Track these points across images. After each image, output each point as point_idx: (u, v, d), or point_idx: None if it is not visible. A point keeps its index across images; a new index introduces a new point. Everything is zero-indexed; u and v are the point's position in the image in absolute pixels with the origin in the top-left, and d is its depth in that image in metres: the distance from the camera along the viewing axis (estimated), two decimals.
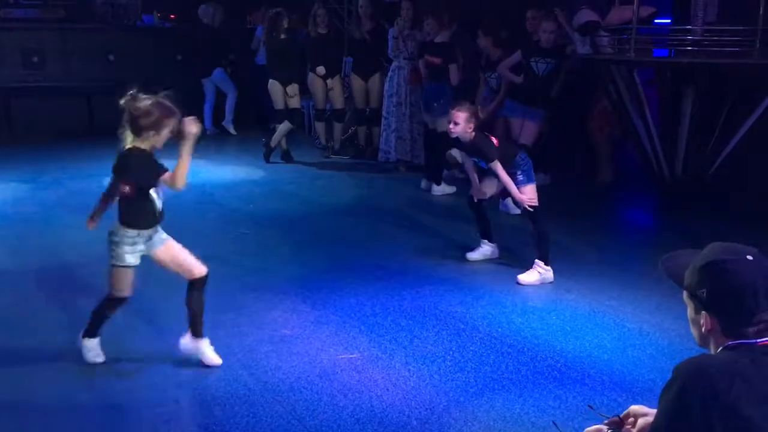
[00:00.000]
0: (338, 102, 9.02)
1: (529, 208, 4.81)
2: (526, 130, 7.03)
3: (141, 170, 3.45)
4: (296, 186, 7.72)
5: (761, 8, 5.69)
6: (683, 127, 6.29)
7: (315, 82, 8.87)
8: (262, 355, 3.76)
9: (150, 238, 3.59)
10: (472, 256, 5.27)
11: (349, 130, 9.56)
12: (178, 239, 5.64)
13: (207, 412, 3.20)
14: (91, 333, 3.67)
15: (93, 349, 3.66)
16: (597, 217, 6.63)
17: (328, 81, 8.85)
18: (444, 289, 4.71)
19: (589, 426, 2.14)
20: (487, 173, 5.06)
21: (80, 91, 10.14)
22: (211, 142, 9.77)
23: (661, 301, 4.42)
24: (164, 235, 3.65)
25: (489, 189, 5.14)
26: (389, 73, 8.21)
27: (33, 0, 10.42)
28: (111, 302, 3.65)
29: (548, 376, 3.56)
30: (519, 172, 4.84)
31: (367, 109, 8.92)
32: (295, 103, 8.65)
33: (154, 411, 3.20)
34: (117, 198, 3.56)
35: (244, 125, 10.62)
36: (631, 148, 7.63)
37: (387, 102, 8.21)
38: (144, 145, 3.43)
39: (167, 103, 3.45)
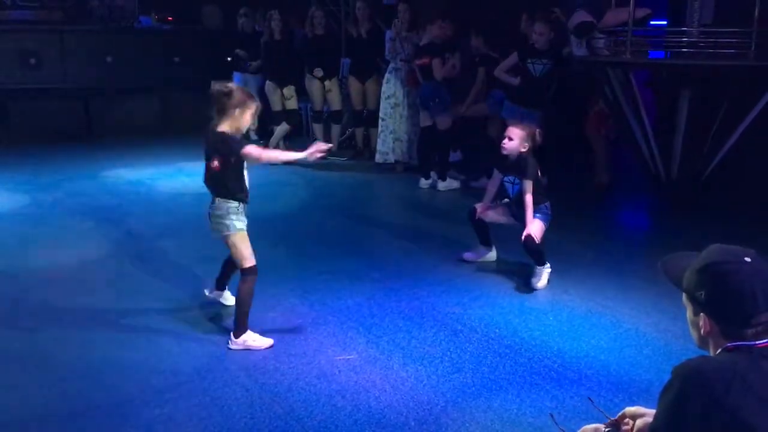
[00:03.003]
0: (336, 103, 9.03)
1: (533, 238, 4.73)
2: None
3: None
4: (294, 187, 7.73)
5: (756, 10, 5.72)
6: (679, 129, 6.32)
7: (312, 83, 8.88)
8: (260, 356, 3.77)
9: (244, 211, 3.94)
10: (469, 256, 5.29)
11: (347, 132, 9.58)
12: (178, 239, 5.69)
13: (205, 413, 3.20)
14: (240, 327, 3.85)
15: (256, 338, 3.86)
16: (594, 218, 6.65)
17: (326, 83, 8.86)
18: (441, 290, 4.72)
19: (587, 425, 2.16)
20: (508, 204, 5.08)
21: (77, 93, 10.14)
22: None
23: (658, 302, 4.44)
24: None
25: (499, 216, 5.14)
26: (386, 75, 8.22)
27: (30, 2, 10.41)
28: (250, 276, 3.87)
29: (546, 377, 3.57)
30: (538, 214, 4.85)
31: (365, 111, 8.94)
32: (292, 104, 8.67)
33: (152, 412, 3.21)
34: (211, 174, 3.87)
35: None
36: (627, 149, 7.66)
37: (384, 104, 8.22)
38: (228, 126, 3.77)
39: (247, 90, 3.97)
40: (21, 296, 4.58)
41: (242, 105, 3.78)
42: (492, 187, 5.14)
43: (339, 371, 3.61)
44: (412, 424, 3.14)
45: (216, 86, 3.81)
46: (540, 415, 3.20)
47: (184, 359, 3.71)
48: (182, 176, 8.07)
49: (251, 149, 3.82)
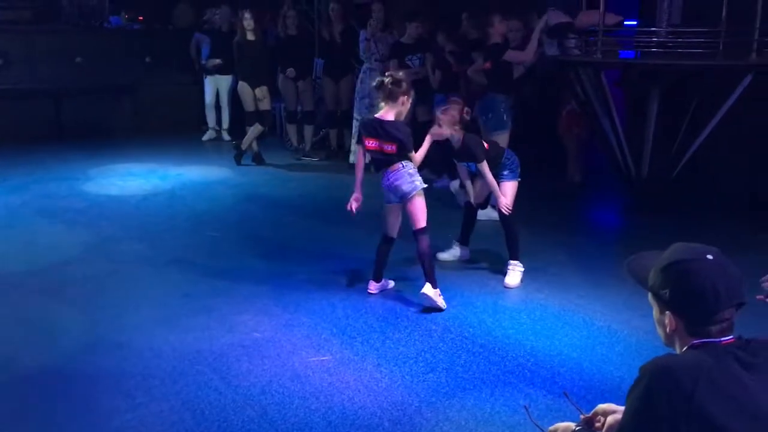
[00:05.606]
0: (309, 104, 9.00)
1: (505, 210, 4.84)
2: None
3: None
4: (267, 188, 7.68)
5: (724, 11, 5.80)
6: (649, 128, 6.38)
7: (286, 84, 8.84)
8: (233, 358, 3.74)
9: None
10: (443, 256, 5.30)
11: (321, 132, 9.55)
12: (149, 241, 5.63)
13: (177, 417, 3.17)
14: (433, 280, 4.42)
15: (439, 298, 4.41)
16: (565, 217, 6.69)
17: (299, 83, 8.83)
18: (415, 290, 4.72)
19: (559, 423, 2.17)
20: (477, 176, 5.12)
21: (47, 93, 9.99)
22: (180, 144, 9.71)
23: (629, 299, 4.48)
24: None
25: (483, 191, 5.20)
26: (360, 75, 8.22)
27: None
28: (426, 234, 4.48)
29: (519, 375, 3.59)
30: (506, 171, 4.93)
31: (339, 111, 8.91)
32: (265, 105, 8.61)
33: (123, 417, 3.17)
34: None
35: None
36: (599, 148, 7.72)
37: (358, 104, 8.20)
38: (394, 112, 4.43)
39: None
40: None
41: (408, 93, 4.39)
42: (463, 174, 5.19)
43: (313, 373, 3.59)
44: (386, 424, 3.14)
45: (389, 77, 4.38)
46: (514, 414, 3.21)
47: (156, 362, 3.67)
48: (154, 178, 7.99)
49: (418, 156, 4.49)
